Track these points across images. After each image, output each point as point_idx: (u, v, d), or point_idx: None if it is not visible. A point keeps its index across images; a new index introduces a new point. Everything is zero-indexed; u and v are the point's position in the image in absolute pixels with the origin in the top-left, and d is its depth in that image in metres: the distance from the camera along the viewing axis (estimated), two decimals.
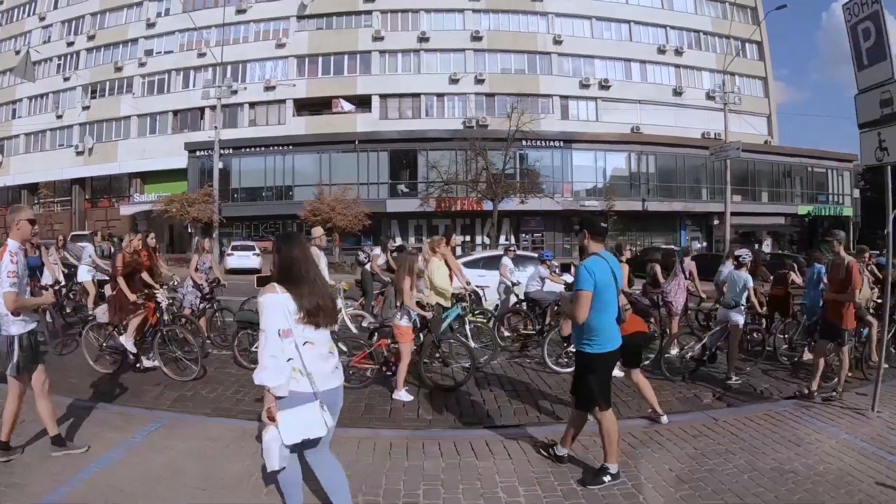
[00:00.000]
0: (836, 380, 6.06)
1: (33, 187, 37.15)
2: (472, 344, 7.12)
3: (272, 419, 2.66)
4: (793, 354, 7.81)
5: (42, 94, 38.07)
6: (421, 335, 6.15)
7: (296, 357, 2.69)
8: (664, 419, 4.96)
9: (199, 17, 34.90)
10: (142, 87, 36.28)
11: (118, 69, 36.36)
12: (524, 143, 31.79)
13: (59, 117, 37.22)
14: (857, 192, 42.33)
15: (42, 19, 38.20)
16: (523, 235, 33.29)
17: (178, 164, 33.60)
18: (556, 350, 7.23)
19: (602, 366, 3.92)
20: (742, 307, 6.77)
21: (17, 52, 37.61)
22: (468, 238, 32.93)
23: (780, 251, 32.06)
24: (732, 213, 35.10)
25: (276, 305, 2.68)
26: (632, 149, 33.63)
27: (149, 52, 36.24)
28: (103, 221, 35.82)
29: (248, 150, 33.33)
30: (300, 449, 2.82)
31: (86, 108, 36.83)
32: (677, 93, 35.77)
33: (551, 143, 32.56)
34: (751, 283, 6.86)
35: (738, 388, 6.48)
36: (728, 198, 29.36)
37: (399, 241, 27.65)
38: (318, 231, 8.61)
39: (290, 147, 32.81)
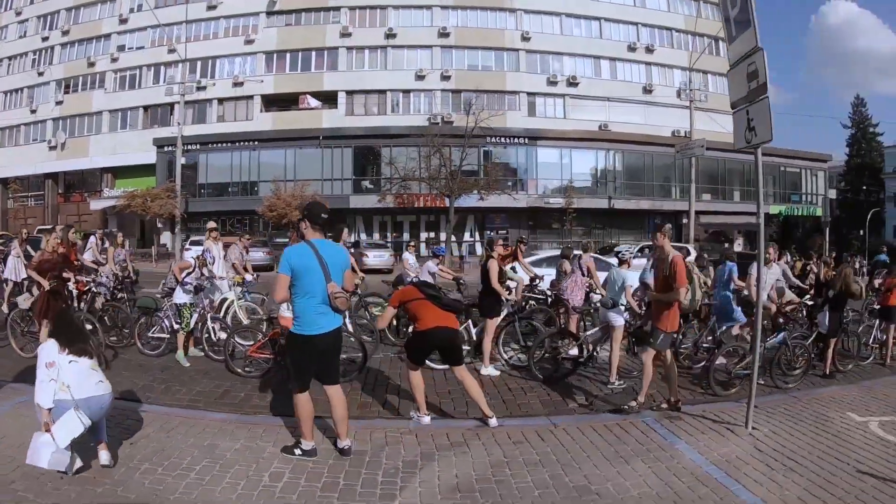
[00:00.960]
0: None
1: (6, 181, 37.89)
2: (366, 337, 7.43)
3: (48, 430, 3.55)
4: (700, 359, 7.29)
5: (17, 88, 38.85)
6: None
7: (61, 376, 3.68)
8: (493, 422, 4.74)
9: (171, 12, 35.74)
10: (114, 82, 36.91)
11: (91, 64, 37.00)
12: (488, 139, 32.13)
13: (32, 112, 37.95)
14: (833, 193, 42.38)
15: (18, 14, 38.93)
16: (488, 232, 33.48)
17: (148, 160, 34.25)
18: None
19: (299, 348, 4.06)
20: (621, 307, 6.44)
21: None
22: (433, 234, 33.23)
23: (751, 251, 32.22)
24: (704, 212, 35.54)
25: (45, 349, 3.82)
26: (599, 146, 33.91)
27: (121, 48, 36.86)
28: (75, 216, 36.40)
29: (215, 145, 33.87)
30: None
31: (59, 102, 37.52)
32: (647, 90, 35.89)
33: (516, 140, 32.89)
34: (630, 282, 6.62)
35: (618, 392, 6.07)
36: (693, 196, 29.54)
37: (353, 238, 28.14)
38: (211, 224, 9.27)
39: (256, 143, 33.32)
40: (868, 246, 39.07)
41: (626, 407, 5.27)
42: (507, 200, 32.02)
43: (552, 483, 3.74)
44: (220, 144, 33.82)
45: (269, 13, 35.36)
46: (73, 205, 37.75)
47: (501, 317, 7.21)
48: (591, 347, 6.80)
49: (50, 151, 37.51)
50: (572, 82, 34.99)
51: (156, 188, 30.60)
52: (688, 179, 35.45)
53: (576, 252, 9.41)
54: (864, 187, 42.52)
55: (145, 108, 36.30)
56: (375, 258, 24.13)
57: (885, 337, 8.17)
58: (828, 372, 7.09)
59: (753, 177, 35.49)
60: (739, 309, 7.66)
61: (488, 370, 6.73)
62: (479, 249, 33.48)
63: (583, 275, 8.27)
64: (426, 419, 4.87)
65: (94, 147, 36.85)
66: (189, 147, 33.27)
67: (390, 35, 34.47)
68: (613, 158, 33.96)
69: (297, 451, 4.06)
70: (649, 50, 36.46)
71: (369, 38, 34.60)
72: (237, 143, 33.51)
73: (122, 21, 36.54)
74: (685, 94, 30.28)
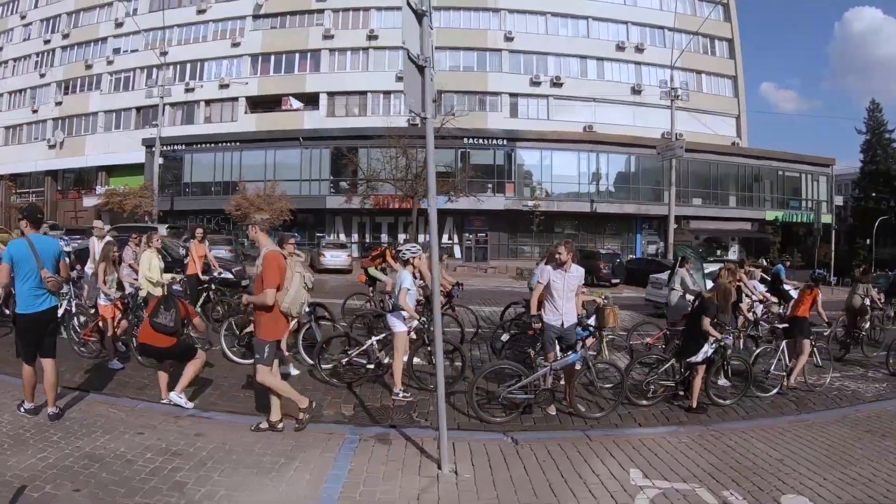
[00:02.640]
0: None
1: (11, 179, 40.21)
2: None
3: None
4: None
5: (20, 89, 41.20)
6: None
7: None
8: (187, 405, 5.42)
9: (164, 16, 37.20)
10: (109, 84, 38.83)
11: (88, 66, 39.04)
12: (466, 140, 32.53)
13: (34, 111, 40.19)
14: (840, 200, 41.02)
15: (23, 17, 41.33)
16: (467, 235, 33.89)
17: (140, 159, 35.81)
18: (232, 340, 7.61)
19: (21, 325, 4.91)
20: (402, 313, 6.20)
21: (1, 49, 40.99)
22: (408, 236, 33.59)
23: (743, 258, 31.55)
24: (694, 217, 35.08)
25: None
26: (582, 148, 33.74)
27: (116, 51, 38.77)
28: (72, 212, 38.54)
29: (201, 145, 35.19)
30: None
31: (58, 103, 39.68)
32: (636, 91, 35.58)
33: (495, 142, 33.05)
34: (406, 285, 6.23)
35: (401, 405, 6.01)
36: (672, 199, 29.29)
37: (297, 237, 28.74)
38: (98, 223, 10.14)
39: (238, 144, 34.45)
40: (875, 255, 37.76)
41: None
42: (488, 203, 32.40)
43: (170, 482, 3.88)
44: (205, 145, 35.15)
45: (256, 17, 36.64)
46: (71, 202, 39.75)
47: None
48: (377, 354, 6.67)
49: (49, 150, 39.67)
50: (556, 83, 35.07)
51: (133, 187, 31.98)
52: (679, 183, 35.32)
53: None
54: (874, 194, 40.94)
55: (137, 109, 37.99)
56: (332, 258, 24.81)
57: (792, 361, 7.41)
58: (694, 405, 6.21)
59: (750, 181, 35.28)
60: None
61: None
62: (457, 252, 33.90)
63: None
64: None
65: (90, 146, 38.83)
66: (175, 147, 35.04)
67: (372, 36, 35.26)
68: (597, 161, 33.76)
69: (22, 409, 5.02)
70: (639, 49, 36.25)
71: (351, 40, 35.49)
72: (221, 144, 34.81)
73: (118, 25, 38.43)
74: (663, 94, 30.03)
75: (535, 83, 35.07)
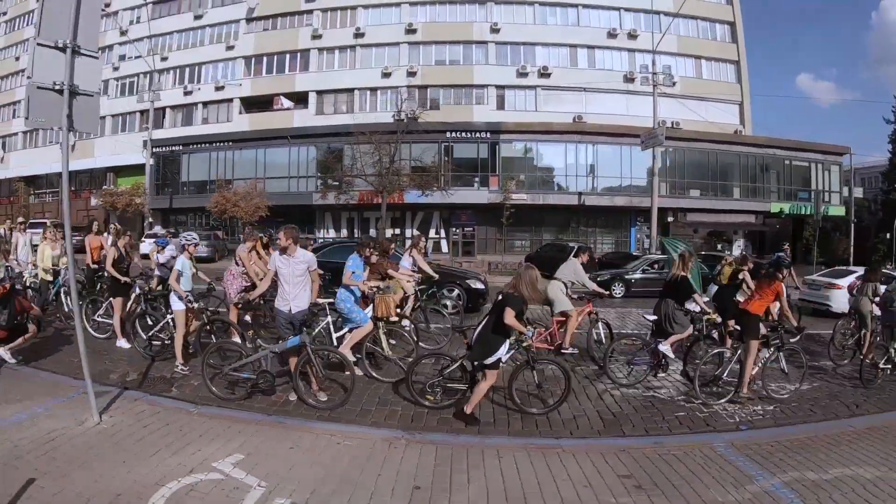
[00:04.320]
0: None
1: (30, 180, 43.57)
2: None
3: None
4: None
5: None
6: None
7: None
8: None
9: (164, 23, 39.81)
10: (115, 89, 41.47)
11: None
12: (449, 134, 33.29)
13: None
14: (859, 191, 39.44)
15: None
16: (453, 230, 34.58)
17: (143, 160, 38.13)
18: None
19: None
20: (184, 292, 7.04)
21: (17, 59, 44.36)
22: (398, 231, 34.63)
23: (746, 254, 30.94)
24: (694, 210, 34.66)
25: None
26: (570, 139, 33.84)
27: (122, 58, 41.33)
28: (84, 211, 41.39)
29: (197, 146, 37.26)
30: None
31: None
32: (629, 79, 35.39)
33: (479, 135, 33.58)
34: (178, 267, 7.07)
35: (178, 376, 6.92)
36: (655, 190, 29.25)
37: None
38: (20, 218, 11.83)
39: (231, 143, 36.31)
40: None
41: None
42: (475, 196, 33.11)
43: None
44: (201, 145, 37.18)
45: (249, 20, 38.59)
46: (83, 201, 42.62)
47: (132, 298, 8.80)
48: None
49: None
50: (544, 73, 35.37)
51: (127, 186, 34.21)
52: (676, 174, 34.96)
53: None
54: (894, 186, 39.21)
55: (141, 112, 40.40)
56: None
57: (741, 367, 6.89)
58: (469, 411, 5.78)
59: (755, 172, 34.55)
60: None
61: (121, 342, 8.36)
62: (444, 246, 34.61)
63: (236, 264, 8.95)
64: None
65: (98, 148, 41.60)
66: (173, 148, 37.31)
67: (359, 34, 36.58)
68: (586, 152, 33.80)
69: None
70: (632, 36, 36.10)
71: (339, 39, 36.89)
72: (215, 144, 36.76)
73: (123, 33, 41.02)
74: (640, 79, 29.89)
75: (523, 74, 35.47)
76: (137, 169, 38.53)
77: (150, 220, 37.09)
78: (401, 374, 6.87)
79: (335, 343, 7.36)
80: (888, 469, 4.87)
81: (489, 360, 5.61)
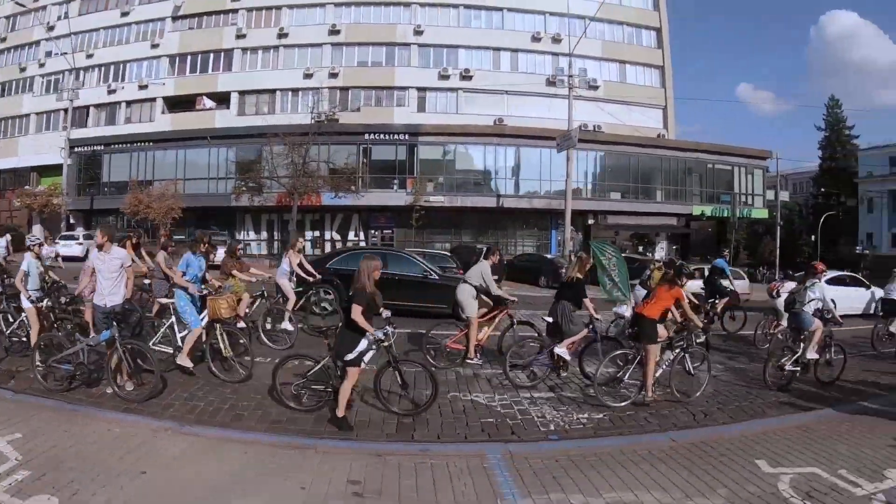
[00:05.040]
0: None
1: None
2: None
3: None
4: None
5: None
6: None
7: None
8: None
9: (91, 20, 39.63)
10: (41, 86, 41.23)
11: (22, 69, 41.66)
12: (368, 136, 33.49)
13: None
14: (785, 195, 40.23)
15: None
16: (372, 232, 34.70)
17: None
18: None
19: None
20: (31, 293, 7.50)
21: None
22: (317, 234, 34.68)
23: (671, 258, 31.45)
24: (615, 213, 35.08)
25: None
26: (489, 141, 34.18)
27: (48, 54, 41.08)
28: (7, 212, 41.07)
29: (119, 146, 37.08)
30: None
31: None
32: (552, 82, 35.69)
33: (398, 137, 33.79)
34: (24, 268, 7.51)
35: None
36: (569, 192, 29.33)
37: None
38: None
39: (152, 144, 36.21)
40: (828, 252, 36.94)
41: None
42: (393, 199, 33.26)
43: None
44: (123, 145, 37.04)
45: (174, 18, 38.62)
46: (6, 201, 42.26)
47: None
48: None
49: None
50: (465, 75, 35.77)
51: (46, 187, 34.03)
52: (597, 177, 35.44)
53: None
54: (822, 190, 40.21)
55: (65, 110, 40.17)
56: (65, 248, 23.79)
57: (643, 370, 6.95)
58: (341, 413, 5.73)
59: (680, 175, 35.09)
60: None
61: None
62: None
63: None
64: None
65: (22, 147, 41.33)
66: (94, 148, 37.16)
67: (283, 35, 36.77)
68: (505, 155, 34.14)
69: None
70: (556, 40, 36.58)
71: (263, 39, 37.05)
72: (137, 144, 36.61)
73: (50, 28, 40.81)
74: (558, 82, 30.20)
75: (444, 76, 35.86)
76: (60, 169, 38.46)
77: (72, 221, 37.04)
78: (245, 375, 7.05)
79: (180, 343, 7.38)
80: (681, 496, 4.42)
81: (347, 358, 5.60)
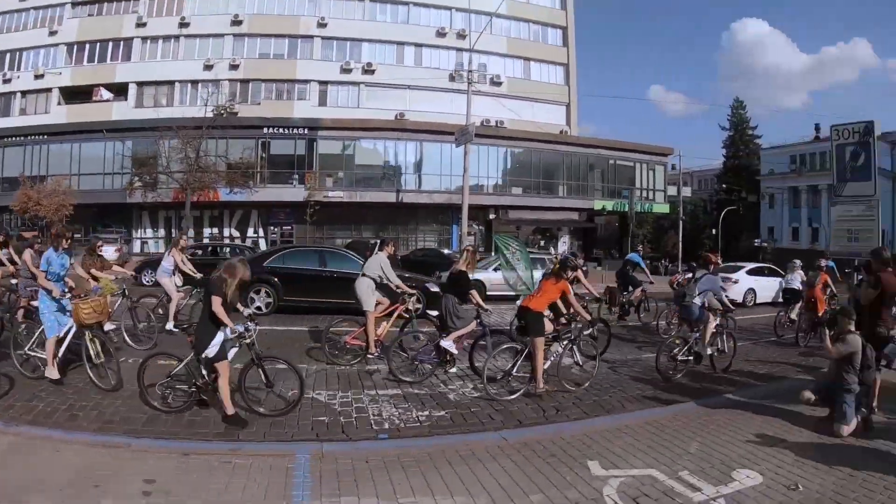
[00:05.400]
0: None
1: None
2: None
3: None
4: None
5: None
6: None
7: None
8: None
9: None
10: None
11: None
12: (267, 130, 33.20)
13: None
14: (687, 191, 41.36)
15: None
16: (271, 228, 34.47)
17: None
18: None
19: None
20: None
21: None
22: (216, 230, 34.26)
23: (573, 252, 31.95)
24: (517, 207, 35.50)
25: None
26: (389, 136, 34.29)
27: None
28: None
29: (14, 138, 35.95)
30: None
31: None
32: (454, 78, 35.95)
33: (297, 131, 33.59)
34: None
35: None
36: (466, 187, 29.36)
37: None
38: None
39: (47, 136, 35.21)
40: (721, 246, 38.10)
41: None
42: (292, 194, 33.04)
43: None
44: (17, 138, 35.92)
45: (74, 4, 37.58)
46: None
47: None
48: None
49: None
50: (368, 70, 35.78)
51: None
52: (498, 172, 35.87)
53: None
54: (724, 186, 41.68)
55: None
56: None
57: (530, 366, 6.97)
58: (229, 412, 5.60)
59: (582, 171, 35.63)
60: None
61: None
62: (263, 246, 34.38)
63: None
64: None
65: None
66: None
67: (184, 24, 36.19)
68: (406, 149, 34.28)
69: None
70: (461, 36, 36.74)
71: (164, 28, 36.40)
72: (31, 137, 35.56)
73: None
74: (458, 78, 30.39)
75: (346, 70, 35.81)
76: None
77: None
78: (115, 383, 6.55)
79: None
80: (487, 501, 4.15)
81: (208, 354, 5.40)
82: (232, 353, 5.65)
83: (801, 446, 5.32)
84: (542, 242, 35.59)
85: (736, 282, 17.48)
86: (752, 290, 18.01)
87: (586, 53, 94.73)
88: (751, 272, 18.75)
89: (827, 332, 6.17)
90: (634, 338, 11.43)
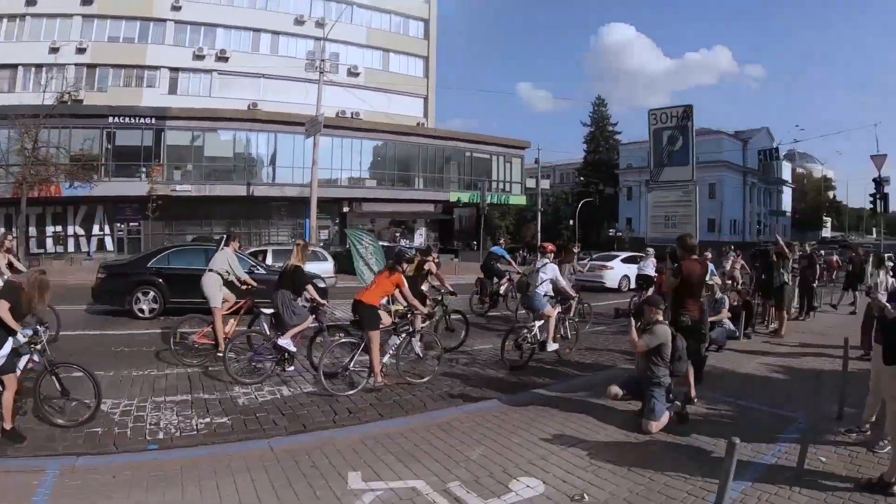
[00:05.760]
0: None
1: None
2: None
3: None
4: None
5: None
6: None
7: None
8: None
9: None
10: None
11: None
12: (112, 119, 32.71)
13: None
14: (546, 184, 43.19)
15: None
16: (118, 225, 33.97)
17: None
18: None
19: None
20: None
21: None
22: (59, 229, 33.53)
23: (431, 244, 33.05)
24: (375, 200, 36.36)
25: None
26: (243, 126, 34.22)
27: None
28: None
29: None
30: None
31: None
32: (311, 67, 36.00)
33: (145, 120, 33.18)
34: None
35: None
36: (314, 180, 29.74)
37: None
38: None
39: None
40: (579, 236, 40.23)
41: None
42: (140, 188, 32.50)
43: None
44: None
45: None
46: None
47: None
48: None
49: None
50: (222, 57, 35.61)
51: None
52: (353, 164, 36.50)
53: None
54: (581, 179, 43.83)
55: None
56: None
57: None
58: (8, 426, 5.29)
59: (439, 163, 36.41)
60: None
61: None
62: (109, 244, 33.74)
63: None
64: None
65: None
66: None
67: (31, 2, 34.87)
68: (257, 140, 34.42)
69: None
70: (320, 24, 36.64)
71: (7, 6, 34.94)
72: None
73: None
74: (308, 67, 30.39)
75: (199, 57, 35.54)
76: None
77: None
78: None
79: None
80: None
81: None
82: (23, 361, 5.45)
83: (601, 447, 4.99)
84: (397, 235, 36.61)
85: (612, 269, 20.13)
86: (626, 277, 19.83)
87: (456, 49, 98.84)
88: (625, 260, 20.87)
89: (633, 323, 5.93)
90: (495, 327, 11.66)
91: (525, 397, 6.53)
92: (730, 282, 12.62)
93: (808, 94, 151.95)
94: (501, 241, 19.39)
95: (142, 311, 11.95)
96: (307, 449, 4.91)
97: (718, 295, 9.97)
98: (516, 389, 7.05)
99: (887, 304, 4.72)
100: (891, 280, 10.35)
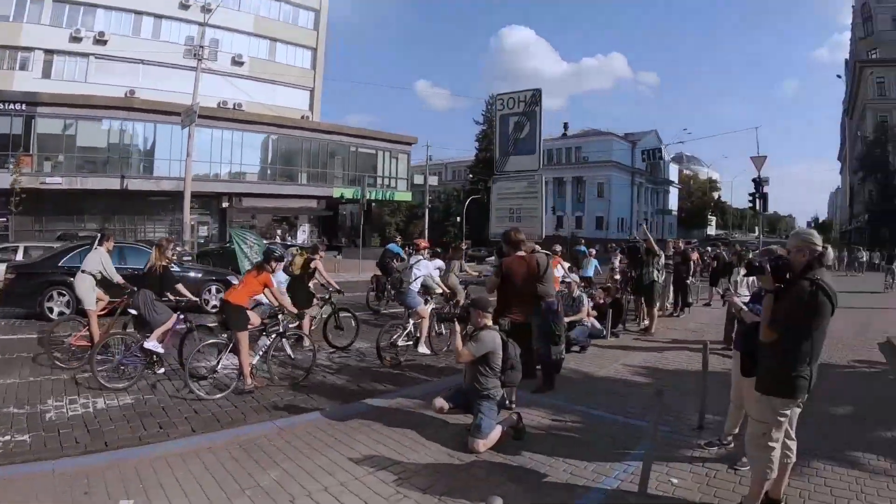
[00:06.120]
0: None
1: None
2: None
3: None
4: None
5: None
6: None
7: None
8: None
9: None
10: None
11: None
12: None
13: None
14: (434, 180, 44.38)
15: None
16: None
17: None
18: None
19: None
20: None
21: None
22: None
23: (318, 242, 33.77)
24: (256, 195, 36.64)
25: None
26: (118, 115, 33.76)
27: None
28: None
29: None
30: None
31: None
32: (195, 55, 35.67)
33: (13, 106, 32.56)
34: None
35: None
36: (188, 173, 29.61)
37: None
38: None
39: None
40: (466, 233, 41.84)
41: None
42: (7, 181, 31.54)
43: None
44: None
45: None
46: None
47: None
48: None
49: None
50: (100, 40, 34.95)
51: None
52: (233, 157, 36.53)
53: None
54: (470, 176, 45.09)
55: None
56: None
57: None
58: None
59: (323, 158, 36.82)
60: None
61: None
62: None
63: None
64: None
65: None
66: None
67: None
68: (133, 131, 34.21)
69: None
70: (206, 10, 35.79)
71: None
72: None
73: None
74: (186, 54, 30.11)
75: (76, 39, 34.73)
76: None
77: None
78: None
79: None
80: None
81: None
82: None
83: (414, 470, 4.42)
84: (286, 234, 36.81)
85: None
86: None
87: (353, 44, 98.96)
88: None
89: (458, 328, 5.47)
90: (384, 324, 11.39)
91: (351, 409, 5.97)
92: (618, 277, 13.13)
93: (699, 100, 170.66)
94: (398, 239, 19.94)
95: (51, 310, 11.54)
96: (91, 472, 4.31)
97: (576, 293, 9.90)
98: (352, 398, 6.59)
99: (744, 307, 4.45)
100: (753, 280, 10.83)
